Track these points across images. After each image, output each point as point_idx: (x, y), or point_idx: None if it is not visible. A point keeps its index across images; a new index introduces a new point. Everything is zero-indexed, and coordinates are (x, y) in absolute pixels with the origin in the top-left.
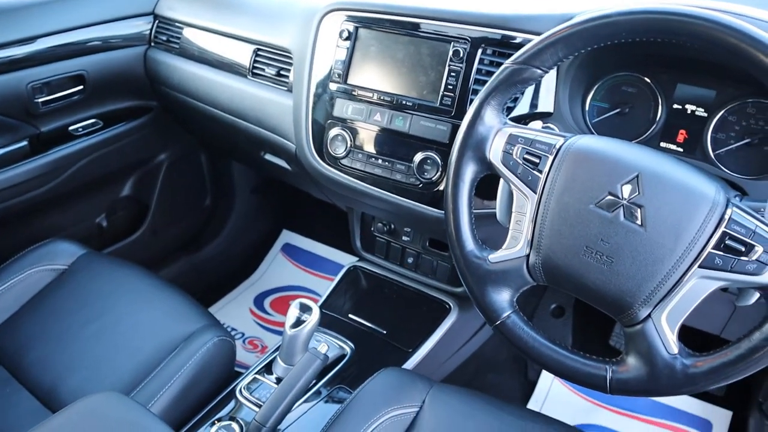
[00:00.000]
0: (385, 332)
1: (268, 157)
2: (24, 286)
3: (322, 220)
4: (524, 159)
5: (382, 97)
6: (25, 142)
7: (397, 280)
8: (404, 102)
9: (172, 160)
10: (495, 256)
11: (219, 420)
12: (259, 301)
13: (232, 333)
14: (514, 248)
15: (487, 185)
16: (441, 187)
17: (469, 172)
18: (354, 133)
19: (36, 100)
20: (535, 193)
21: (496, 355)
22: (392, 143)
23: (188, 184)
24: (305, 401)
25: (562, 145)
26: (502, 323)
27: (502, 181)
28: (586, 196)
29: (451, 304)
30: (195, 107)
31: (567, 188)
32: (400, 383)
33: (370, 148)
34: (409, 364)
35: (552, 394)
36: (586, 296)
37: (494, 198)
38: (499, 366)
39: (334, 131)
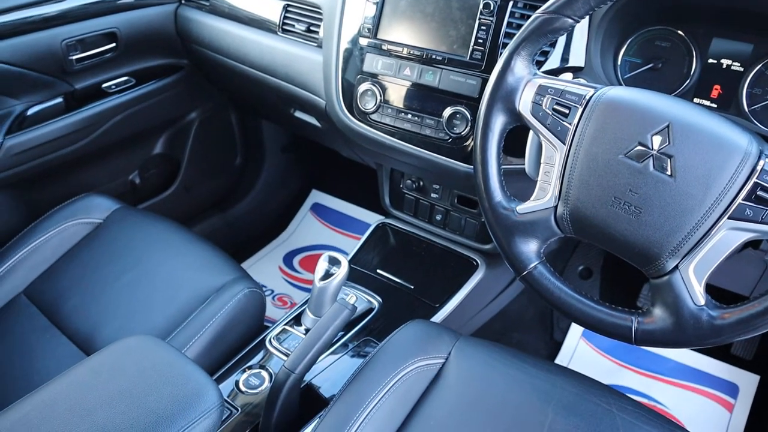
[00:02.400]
0: (412, 287)
1: (298, 114)
2: (61, 238)
3: (350, 180)
4: (554, 110)
5: (411, 52)
6: (60, 99)
7: (425, 236)
8: (434, 56)
9: (203, 118)
10: (523, 207)
11: (249, 368)
12: (288, 259)
13: (263, 290)
14: (542, 199)
15: (514, 141)
16: (470, 142)
17: (499, 123)
18: (383, 88)
19: (70, 58)
20: (564, 143)
21: (523, 315)
22: (422, 98)
23: (219, 143)
24: (332, 353)
25: (593, 95)
26: (529, 274)
27: (531, 132)
28: (615, 147)
29: (478, 261)
30: (225, 64)
31: (596, 139)
32: (426, 335)
33: (399, 103)
34: (436, 318)
35: (577, 355)
36: (612, 247)
37: (521, 155)
38: (525, 325)
39: (363, 86)
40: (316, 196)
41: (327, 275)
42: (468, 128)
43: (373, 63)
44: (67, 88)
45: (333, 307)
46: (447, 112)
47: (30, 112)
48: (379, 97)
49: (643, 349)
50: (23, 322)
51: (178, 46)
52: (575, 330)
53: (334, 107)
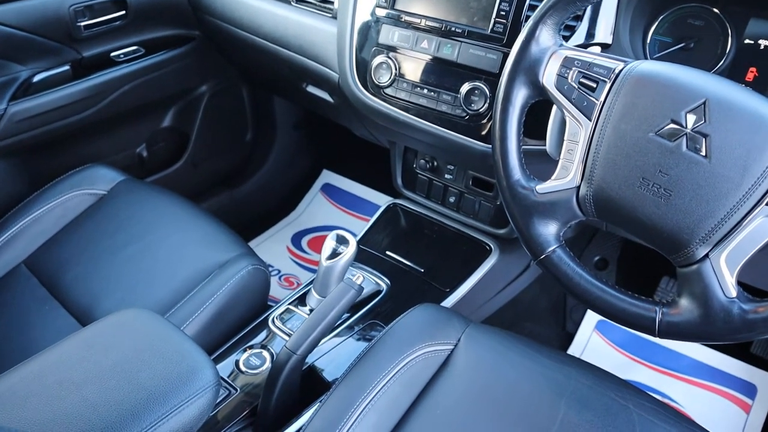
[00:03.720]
0: (422, 270)
1: (311, 89)
2: (63, 209)
3: (362, 161)
4: (580, 83)
5: (430, 24)
6: (67, 67)
7: (437, 219)
8: (453, 29)
9: (214, 91)
10: (543, 187)
11: (250, 348)
12: (296, 239)
13: (269, 270)
14: (564, 179)
15: (534, 122)
16: (488, 120)
17: (520, 96)
18: (399, 61)
19: (78, 24)
20: (590, 120)
21: (535, 304)
22: (439, 72)
23: (229, 118)
24: (337, 335)
25: (623, 69)
26: (547, 257)
27: (554, 108)
28: (645, 124)
29: (492, 246)
30: (237, 36)
31: (625, 115)
32: (435, 319)
33: (415, 77)
34: (446, 303)
35: (590, 348)
36: (637, 232)
37: (540, 136)
38: (537, 315)
39: (378, 59)
40: (327, 176)
41: (334, 254)
42: (486, 105)
43: (390, 35)
44: (74, 55)
45: (338, 286)
46: (465, 87)
47: (36, 78)
48: (394, 71)
49: (658, 344)
50: (23, 293)
51: (190, 17)
52: (588, 322)
53: (348, 81)
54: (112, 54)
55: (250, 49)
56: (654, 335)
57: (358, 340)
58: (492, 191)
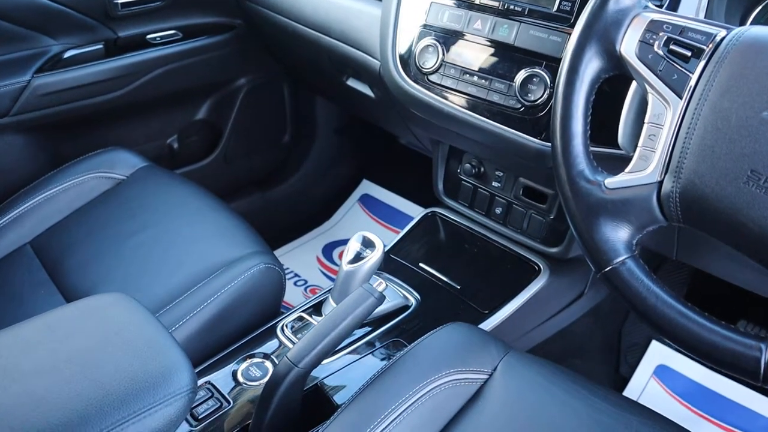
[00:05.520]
0: (458, 288)
1: (351, 82)
2: (78, 191)
3: (405, 172)
4: (669, 52)
5: (485, 1)
6: (100, 45)
7: (480, 232)
8: (512, 6)
9: (252, 86)
10: (614, 181)
11: (251, 356)
12: (328, 250)
13: (295, 279)
14: (641, 171)
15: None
16: (547, 113)
17: (591, 68)
18: (448, 43)
19: (115, 1)
20: (681, 97)
21: (587, 339)
22: (492, 57)
23: (267, 116)
24: (353, 351)
25: (726, 35)
26: (614, 270)
27: (632, 88)
28: (757, 101)
29: (541, 266)
30: (279, 24)
31: (729, 91)
32: (469, 341)
33: (464, 62)
34: (483, 327)
35: (647, 396)
36: (741, 242)
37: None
38: (588, 352)
39: (424, 41)
40: (367, 187)
41: (357, 258)
42: (545, 95)
43: (439, 14)
44: (109, 34)
45: (355, 292)
46: (521, 75)
47: (67, 54)
48: (440, 55)
49: (730, 399)
50: (22, 274)
51: (232, 3)
52: (646, 365)
53: (389, 66)
54: (148, 36)
55: (292, 39)
56: (757, 381)
57: (378, 359)
58: (546, 203)
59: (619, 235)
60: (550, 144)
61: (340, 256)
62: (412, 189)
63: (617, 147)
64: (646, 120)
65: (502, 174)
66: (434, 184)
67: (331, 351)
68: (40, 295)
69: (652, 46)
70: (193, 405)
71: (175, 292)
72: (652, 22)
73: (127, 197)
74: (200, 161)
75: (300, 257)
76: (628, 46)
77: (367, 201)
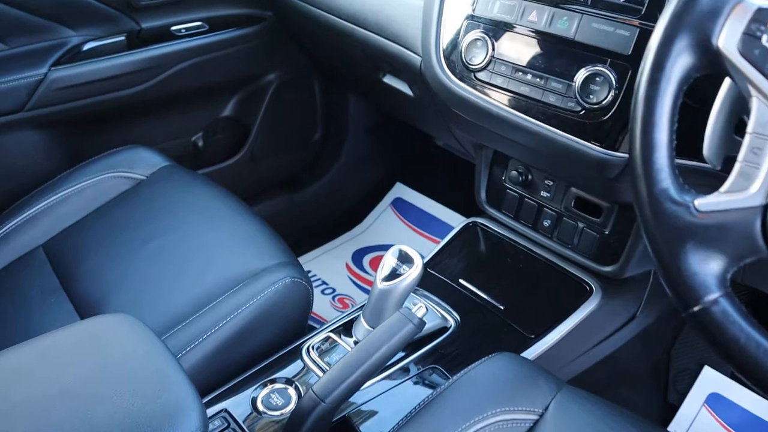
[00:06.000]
0: (502, 308)
1: (388, 79)
2: (95, 191)
3: (442, 176)
4: None
5: None
6: (122, 37)
7: (525, 245)
8: None
9: (282, 82)
10: (706, 203)
11: (272, 381)
12: (358, 256)
13: (323, 287)
14: (742, 192)
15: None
16: (611, 116)
17: (680, 65)
18: (498, 37)
19: None
20: None
21: (634, 365)
22: (549, 53)
23: (297, 113)
24: (387, 377)
25: None
26: (705, 311)
27: (724, 88)
28: None
29: (593, 286)
30: (311, 15)
31: None
32: (518, 376)
33: (517, 58)
34: (529, 354)
35: (697, 426)
36: None
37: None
38: (635, 379)
39: (472, 35)
40: (400, 190)
41: (393, 275)
42: (610, 97)
43: (489, 4)
44: (132, 26)
45: (392, 318)
46: (582, 74)
47: (86, 46)
48: (490, 50)
49: None
50: (33, 280)
51: None
52: (698, 393)
53: (431, 62)
54: (173, 28)
55: (324, 31)
56: None
57: (413, 387)
58: (600, 217)
59: (710, 267)
60: (612, 152)
61: (371, 263)
62: (449, 195)
63: (701, 159)
64: (748, 130)
65: (551, 183)
66: (476, 192)
67: (362, 385)
68: (50, 302)
69: (760, 39)
70: None
71: (192, 306)
72: (760, 10)
73: (145, 198)
74: (226, 161)
75: (328, 264)
76: (727, 39)
77: (401, 205)
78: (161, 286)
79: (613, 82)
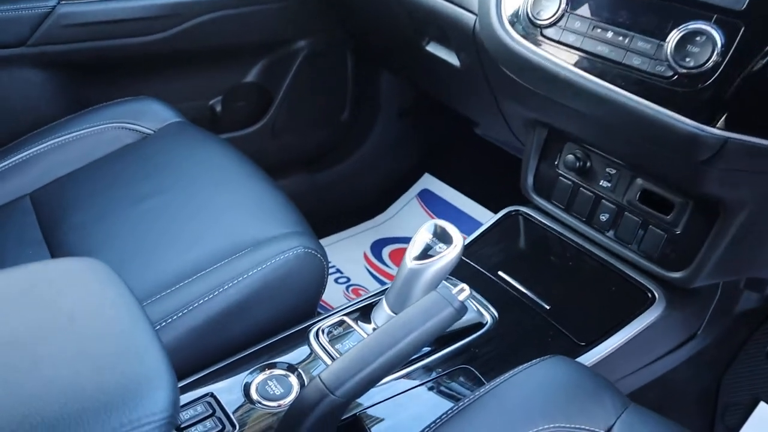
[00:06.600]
0: (547, 308)
1: (431, 48)
2: (95, 141)
3: (474, 168)
4: None
5: None
6: None
7: (576, 241)
8: None
9: (312, 51)
10: None
11: (272, 366)
12: (377, 247)
13: (336, 275)
14: None
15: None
16: (713, 84)
17: None
18: None
19: None
20: None
21: (683, 390)
22: (636, 6)
23: (325, 87)
24: (407, 376)
25: None
26: None
27: None
28: None
29: (656, 294)
30: None
31: None
32: (577, 387)
33: (595, 12)
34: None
35: None
36: None
37: None
38: (683, 405)
39: None
40: (428, 181)
41: (426, 253)
42: (712, 61)
43: None
44: None
45: (427, 297)
46: (677, 32)
47: None
48: (562, 3)
49: None
50: (15, 230)
51: None
52: (751, 429)
53: (489, 19)
54: None
55: None
56: None
57: (439, 391)
58: (670, 214)
59: None
60: (707, 128)
61: (391, 255)
62: (482, 190)
63: None
64: None
65: (614, 171)
66: (522, 178)
67: (381, 378)
68: (27, 255)
69: None
70: (185, 424)
71: (185, 270)
72: None
73: (149, 153)
74: (244, 129)
75: (345, 251)
76: None
77: (428, 197)
78: (154, 247)
79: (718, 44)
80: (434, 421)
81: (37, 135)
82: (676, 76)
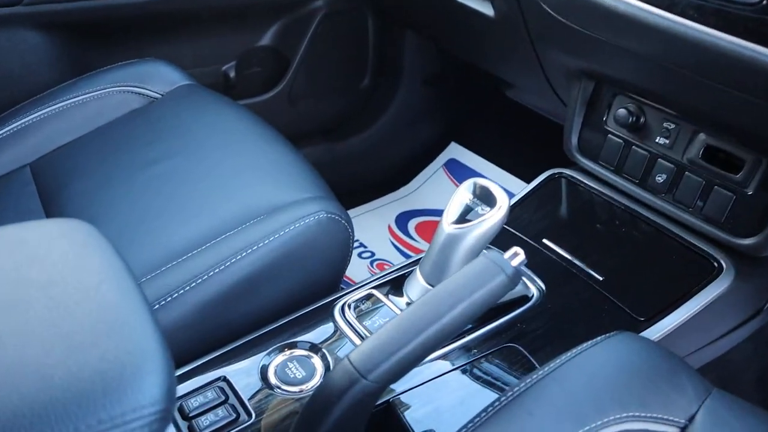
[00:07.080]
0: (601, 279)
1: None
2: (99, 106)
3: (505, 136)
4: None
5: None
6: None
7: (628, 205)
8: None
9: (331, 11)
10: None
11: (292, 346)
12: (402, 220)
13: (360, 250)
14: None
15: None
16: None
17: None
18: None
19: None
20: None
21: (744, 369)
22: None
23: (345, 51)
24: (443, 357)
25: None
26: None
27: None
28: None
29: (723, 263)
30: None
31: None
32: (652, 369)
33: None
34: None
35: None
36: None
37: None
38: (741, 386)
39: None
40: (455, 151)
41: (465, 217)
42: None
43: None
44: None
45: (475, 262)
46: None
47: None
48: None
49: None
50: (13, 201)
51: None
52: None
53: None
54: None
55: None
56: None
57: (483, 373)
58: (740, 173)
59: None
60: None
61: (417, 228)
62: (513, 159)
63: None
64: None
65: (673, 126)
66: (565, 138)
67: (422, 359)
68: None
69: None
70: (194, 413)
71: (194, 239)
72: None
73: (158, 117)
74: (259, 96)
75: (369, 224)
76: None
77: (455, 167)
78: (160, 215)
79: None
80: (485, 410)
81: (36, 101)
82: (761, 4)
